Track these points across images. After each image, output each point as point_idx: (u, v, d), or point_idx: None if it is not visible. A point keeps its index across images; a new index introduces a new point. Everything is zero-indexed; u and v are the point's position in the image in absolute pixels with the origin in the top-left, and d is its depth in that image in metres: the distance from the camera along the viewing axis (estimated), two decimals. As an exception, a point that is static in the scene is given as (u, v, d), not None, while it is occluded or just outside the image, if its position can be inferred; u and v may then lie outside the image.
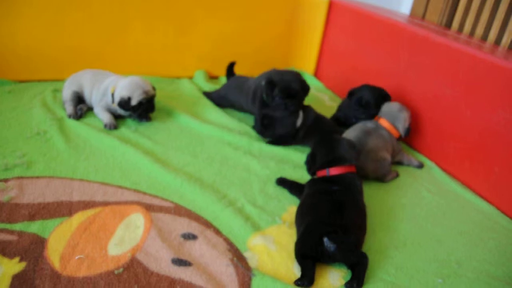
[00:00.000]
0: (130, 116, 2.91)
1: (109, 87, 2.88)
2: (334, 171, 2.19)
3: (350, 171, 2.20)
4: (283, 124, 2.85)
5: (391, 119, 2.78)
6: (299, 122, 2.89)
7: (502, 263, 2.07)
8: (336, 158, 2.23)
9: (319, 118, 2.99)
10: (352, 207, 2.01)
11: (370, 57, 3.47)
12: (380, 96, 2.96)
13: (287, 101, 2.84)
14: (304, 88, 2.94)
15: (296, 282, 1.75)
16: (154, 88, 2.91)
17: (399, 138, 2.80)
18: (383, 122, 2.76)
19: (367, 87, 3.04)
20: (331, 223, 1.88)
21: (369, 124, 2.73)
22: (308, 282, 1.75)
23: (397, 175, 2.70)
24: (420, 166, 2.88)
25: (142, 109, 2.82)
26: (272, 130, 2.85)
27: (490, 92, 2.52)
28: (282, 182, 2.43)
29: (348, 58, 3.77)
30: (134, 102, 2.77)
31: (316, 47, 4.09)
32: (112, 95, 2.83)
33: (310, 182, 2.26)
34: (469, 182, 2.70)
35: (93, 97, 2.94)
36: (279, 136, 2.87)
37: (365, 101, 2.96)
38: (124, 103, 2.77)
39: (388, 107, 2.84)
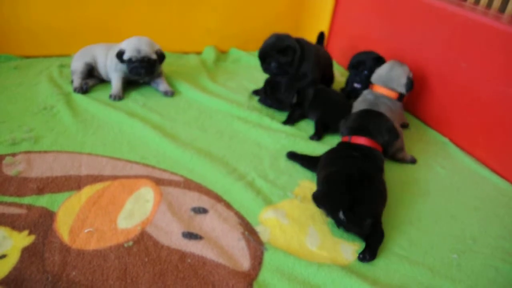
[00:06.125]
0: (139, 78, 2.98)
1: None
2: (356, 140, 2.15)
3: (374, 147, 2.14)
4: (281, 90, 2.85)
5: (382, 82, 2.65)
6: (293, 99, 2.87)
7: (518, 239, 2.03)
8: (360, 127, 2.19)
9: (322, 89, 2.91)
10: (372, 178, 1.97)
11: (384, 31, 3.37)
12: (374, 58, 2.93)
13: (262, 64, 2.87)
14: (279, 49, 2.81)
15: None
16: (157, 54, 2.89)
17: (401, 98, 2.67)
18: (377, 88, 2.65)
19: (360, 52, 3.06)
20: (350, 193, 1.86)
21: (368, 96, 2.62)
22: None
23: (413, 161, 2.57)
24: (407, 126, 2.93)
25: (133, 66, 2.83)
26: (273, 97, 2.86)
27: (507, 65, 2.43)
28: (293, 156, 2.39)
29: (360, 32, 3.67)
30: (125, 56, 2.82)
31: (327, 21, 3.98)
32: None
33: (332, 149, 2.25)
34: (483, 157, 2.64)
35: (108, 65, 2.94)
36: (280, 103, 2.87)
37: (357, 61, 2.96)
38: (118, 55, 2.84)
39: (379, 71, 2.72)
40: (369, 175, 1.94)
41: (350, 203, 1.80)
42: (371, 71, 2.85)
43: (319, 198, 1.94)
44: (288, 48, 2.82)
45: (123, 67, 2.89)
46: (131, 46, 2.82)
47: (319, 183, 2.03)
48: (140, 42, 2.84)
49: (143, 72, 2.85)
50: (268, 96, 2.90)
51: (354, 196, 1.83)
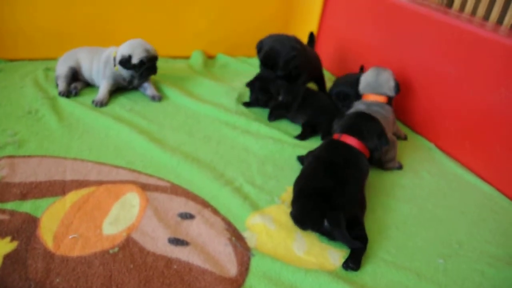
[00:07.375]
0: (131, 83, 2.93)
1: (111, 54, 2.86)
2: (346, 139, 2.15)
3: (362, 150, 2.14)
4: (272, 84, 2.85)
5: (372, 89, 2.67)
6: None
7: (503, 243, 2.06)
8: (353, 127, 2.19)
9: (311, 92, 2.93)
10: (352, 183, 1.98)
11: (370, 36, 3.39)
12: (355, 80, 2.89)
13: (265, 71, 2.84)
14: (287, 55, 2.79)
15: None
16: (156, 52, 2.89)
17: (390, 101, 2.68)
18: (369, 97, 2.66)
19: (341, 79, 3.06)
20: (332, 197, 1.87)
21: (359, 106, 2.62)
22: None
23: (400, 167, 2.58)
24: (405, 138, 2.93)
25: (144, 68, 2.79)
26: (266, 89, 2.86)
27: (492, 70, 2.46)
28: (301, 159, 2.40)
29: (348, 38, 3.69)
30: (135, 60, 2.75)
31: (315, 26, 4.00)
32: (114, 58, 2.81)
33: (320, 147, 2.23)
34: (469, 163, 2.67)
35: (94, 71, 2.90)
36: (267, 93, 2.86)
37: (343, 95, 2.93)
38: (125, 61, 2.74)
39: (366, 79, 2.73)
40: (347, 181, 1.95)
41: (332, 210, 1.82)
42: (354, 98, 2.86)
43: (298, 217, 1.93)
44: (294, 51, 2.78)
45: (113, 73, 2.82)
46: (138, 48, 2.76)
47: (294, 198, 2.00)
48: (142, 42, 2.80)
49: (154, 71, 2.85)
50: (257, 90, 2.88)
51: (332, 204, 1.84)
